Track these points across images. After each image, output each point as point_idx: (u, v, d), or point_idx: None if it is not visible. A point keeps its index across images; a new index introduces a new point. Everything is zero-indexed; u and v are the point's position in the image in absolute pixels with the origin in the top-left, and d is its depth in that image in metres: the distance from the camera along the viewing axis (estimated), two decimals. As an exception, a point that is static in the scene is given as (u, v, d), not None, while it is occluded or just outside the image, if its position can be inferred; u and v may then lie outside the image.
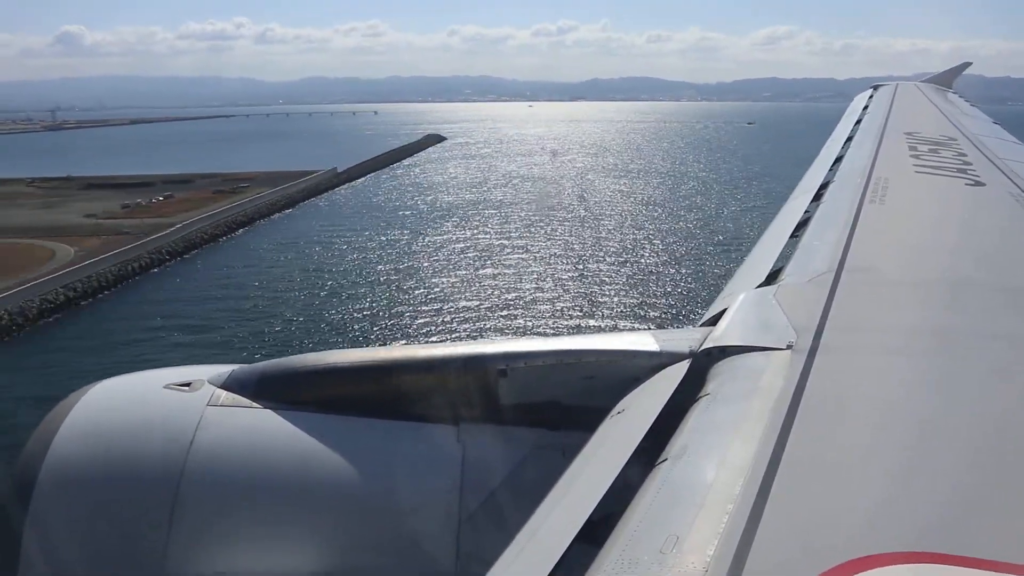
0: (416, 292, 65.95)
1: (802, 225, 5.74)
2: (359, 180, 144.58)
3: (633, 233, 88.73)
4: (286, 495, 3.30)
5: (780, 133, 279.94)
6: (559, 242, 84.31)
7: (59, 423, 3.43)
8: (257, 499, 3.29)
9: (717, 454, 2.45)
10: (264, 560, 3.24)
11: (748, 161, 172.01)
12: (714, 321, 3.73)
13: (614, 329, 52.24)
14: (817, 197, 6.71)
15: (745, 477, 2.26)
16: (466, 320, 57.87)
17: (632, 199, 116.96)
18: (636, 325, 54.84)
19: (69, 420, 3.44)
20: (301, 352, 4.81)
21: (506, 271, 72.27)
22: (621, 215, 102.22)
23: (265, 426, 3.46)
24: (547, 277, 69.61)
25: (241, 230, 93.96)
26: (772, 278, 4.47)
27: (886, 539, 2.00)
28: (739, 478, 2.25)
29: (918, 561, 1.93)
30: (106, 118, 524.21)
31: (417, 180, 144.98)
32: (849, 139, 10.04)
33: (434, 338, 52.82)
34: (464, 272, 72.01)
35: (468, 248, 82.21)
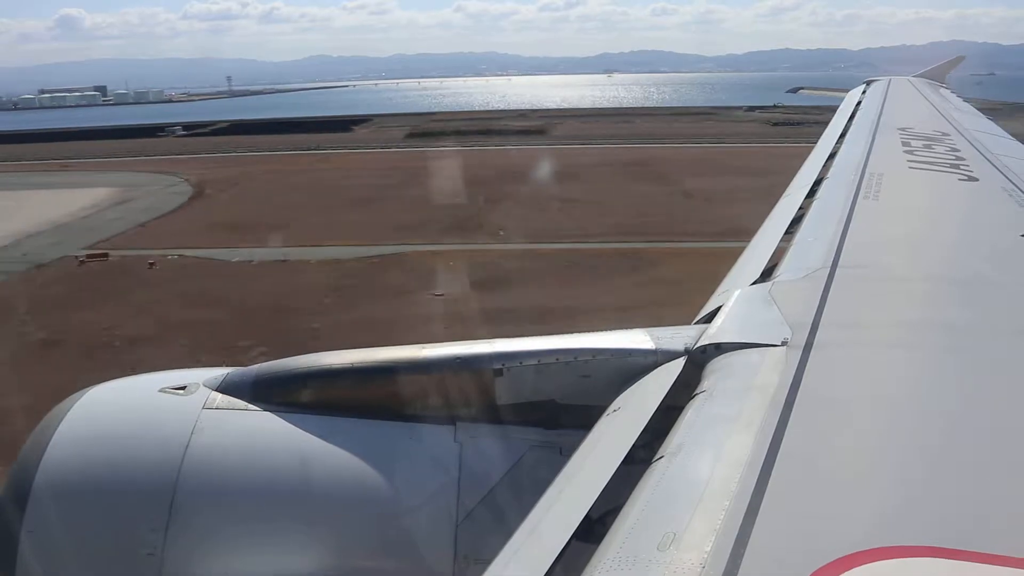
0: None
1: (796, 222, 5.75)
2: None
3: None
4: (283, 497, 3.29)
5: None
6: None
7: (54, 428, 3.40)
8: (254, 502, 3.28)
9: (713, 451, 2.47)
10: (262, 563, 3.22)
11: None
12: (709, 318, 3.75)
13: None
14: (811, 193, 6.70)
15: (741, 473, 2.26)
16: None
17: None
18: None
19: (64, 425, 3.42)
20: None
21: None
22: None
23: (261, 428, 3.45)
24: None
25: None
26: (767, 275, 4.47)
27: (882, 534, 2.00)
28: (735, 474, 2.26)
29: (914, 555, 1.93)
30: (263, 89, 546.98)
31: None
32: (842, 135, 10.05)
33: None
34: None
35: None
